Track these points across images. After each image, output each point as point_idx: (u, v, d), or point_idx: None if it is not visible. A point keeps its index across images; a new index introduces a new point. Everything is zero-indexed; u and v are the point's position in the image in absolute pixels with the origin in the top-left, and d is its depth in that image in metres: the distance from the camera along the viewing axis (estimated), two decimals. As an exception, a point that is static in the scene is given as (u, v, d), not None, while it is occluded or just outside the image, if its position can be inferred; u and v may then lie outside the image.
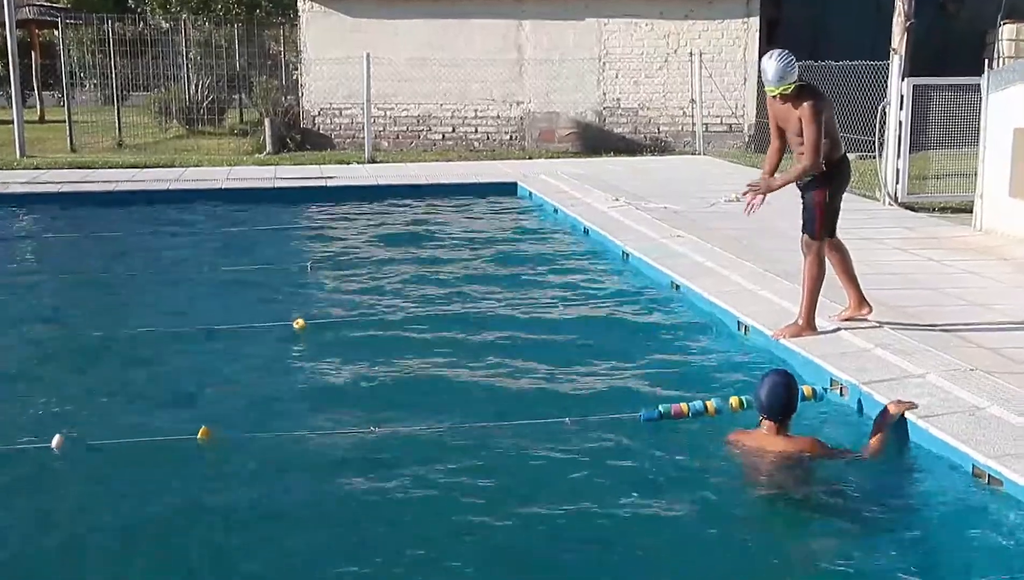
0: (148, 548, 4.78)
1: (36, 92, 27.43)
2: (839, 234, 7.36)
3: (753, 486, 5.41)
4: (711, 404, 6.00)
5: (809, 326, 7.12)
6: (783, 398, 5.54)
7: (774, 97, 6.93)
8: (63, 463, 5.62)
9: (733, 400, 6.03)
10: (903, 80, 12.79)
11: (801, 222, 7.17)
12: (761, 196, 7.17)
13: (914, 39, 14.36)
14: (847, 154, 7.24)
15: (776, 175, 7.28)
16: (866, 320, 7.28)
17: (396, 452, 5.75)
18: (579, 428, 5.97)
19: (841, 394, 6.31)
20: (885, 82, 13.17)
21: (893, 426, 5.63)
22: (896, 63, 13.00)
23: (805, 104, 6.77)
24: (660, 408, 6.00)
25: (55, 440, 5.65)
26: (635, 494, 5.23)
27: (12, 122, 18.75)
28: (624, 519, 5.01)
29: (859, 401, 6.11)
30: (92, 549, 4.78)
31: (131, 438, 5.81)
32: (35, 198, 14.67)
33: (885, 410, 5.71)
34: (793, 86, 6.79)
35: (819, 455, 5.46)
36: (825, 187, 7.01)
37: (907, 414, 5.67)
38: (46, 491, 5.39)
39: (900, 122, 12.76)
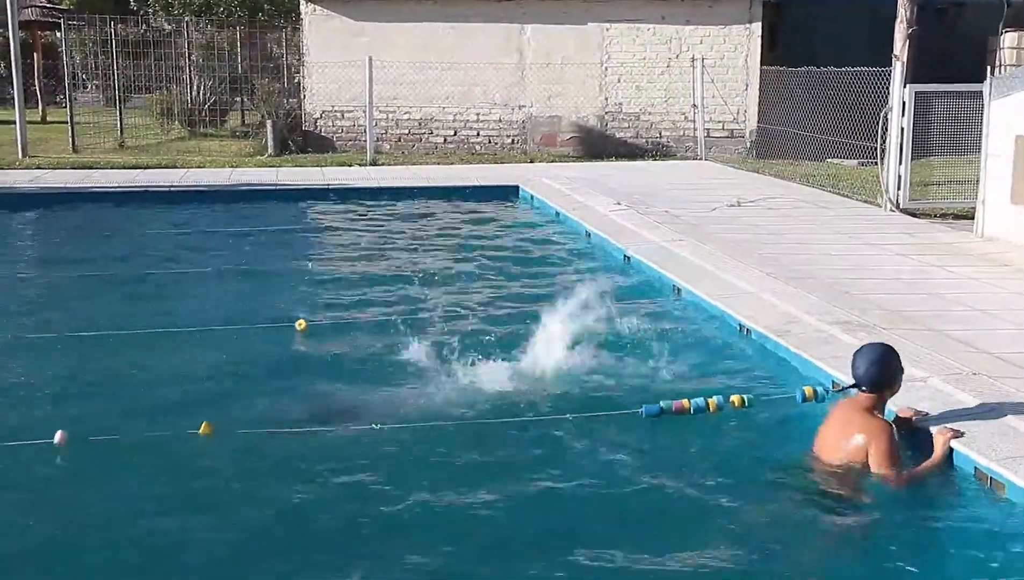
0: (145, 544, 4.78)
1: (38, 93, 27.44)
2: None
3: (763, 479, 5.42)
4: (712, 401, 6.03)
5: None
6: (877, 369, 5.39)
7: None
8: (65, 458, 5.61)
9: (734, 398, 6.06)
10: (905, 87, 12.81)
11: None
12: None
13: (916, 45, 14.40)
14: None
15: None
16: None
17: (398, 449, 5.75)
18: (581, 424, 6.00)
19: (844, 395, 6.29)
20: (887, 88, 13.19)
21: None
22: (898, 69, 13.02)
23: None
24: (662, 403, 6.04)
25: (58, 436, 5.64)
26: (636, 488, 5.25)
27: (14, 123, 18.75)
28: (624, 513, 5.03)
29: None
30: (92, 543, 4.79)
31: (130, 434, 5.81)
32: (37, 198, 14.66)
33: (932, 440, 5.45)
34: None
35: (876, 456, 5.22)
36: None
37: (915, 421, 5.66)
38: (48, 487, 5.39)
39: (902, 128, 12.78)
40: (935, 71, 15.16)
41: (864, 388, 5.42)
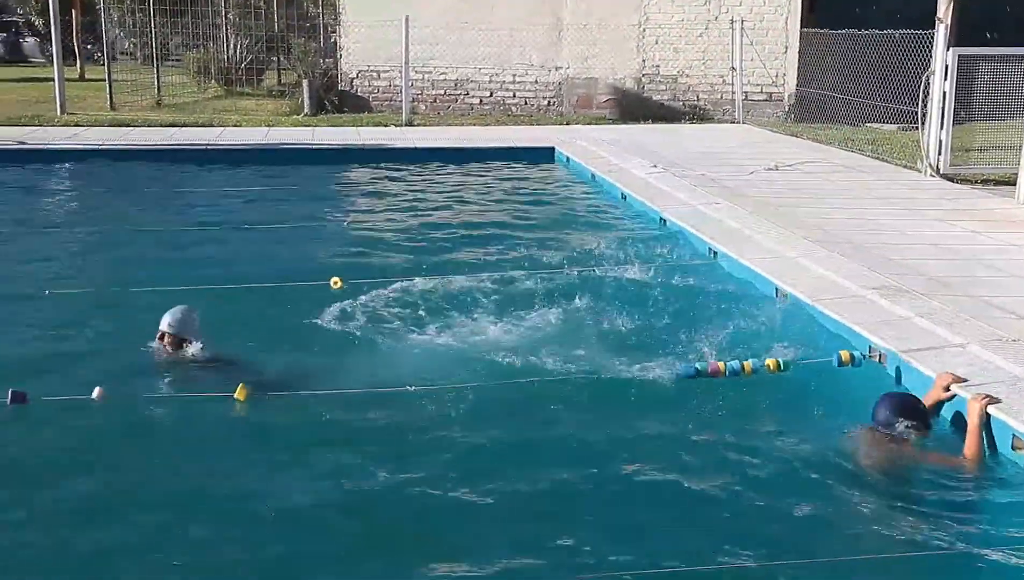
0: (181, 503, 4.84)
1: (76, 51, 27.55)
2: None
3: (798, 444, 5.39)
4: (748, 364, 5.99)
5: None
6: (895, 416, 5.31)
7: None
8: (102, 415, 5.66)
9: (770, 362, 6.02)
10: (948, 50, 12.61)
11: None
12: None
13: (959, 8, 14.14)
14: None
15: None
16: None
17: (431, 409, 5.77)
18: (614, 384, 6.00)
19: (880, 362, 6.26)
20: (929, 52, 12.98)
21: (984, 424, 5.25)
22: (941, 32, 12.80)
23: None
24: (697, 365, 6.02)
25: (96, 392, 5.68)
26: (669, 450, 5.27)
27: (53, 80, 18.87)
28: (656, 475, 5.03)
29: (897, 369, 6.07)
30: (136, 500, 4.86)
31: (162, 393, 5.86)
32: (75, 154, 14.77)
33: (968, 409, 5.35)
34: None
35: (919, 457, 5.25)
36: None
37: (954, 387, 5.58)
38: (87, 442, 5.45)
39: (944, 92, 12.59)
40: (979, 34, 14.90)
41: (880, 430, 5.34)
